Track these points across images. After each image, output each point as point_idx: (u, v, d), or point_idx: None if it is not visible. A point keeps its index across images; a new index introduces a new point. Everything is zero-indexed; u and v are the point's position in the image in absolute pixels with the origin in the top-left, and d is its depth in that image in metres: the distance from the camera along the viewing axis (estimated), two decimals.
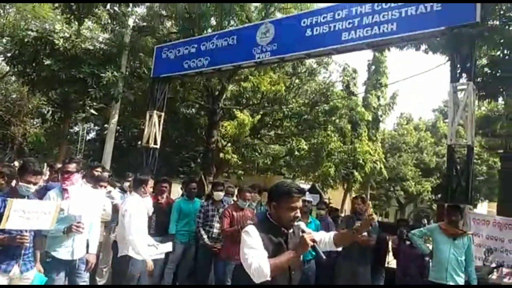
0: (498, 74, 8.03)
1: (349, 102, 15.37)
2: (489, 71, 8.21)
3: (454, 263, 4.71)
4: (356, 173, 18.31)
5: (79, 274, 3.69)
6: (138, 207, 4.26)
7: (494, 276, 5.15)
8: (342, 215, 10.16)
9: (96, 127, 21.20)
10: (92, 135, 22.20)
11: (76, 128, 19.35)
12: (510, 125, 6.89)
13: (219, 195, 5.61)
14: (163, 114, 8.99)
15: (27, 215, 3.08)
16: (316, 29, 7.13)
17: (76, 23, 8.92)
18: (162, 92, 8.94)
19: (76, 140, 19.32)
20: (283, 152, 14.00)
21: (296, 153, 12.74)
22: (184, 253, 5.88)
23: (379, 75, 21.76)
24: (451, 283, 4.66)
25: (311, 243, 2.24)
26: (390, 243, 5.93)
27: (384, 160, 21.30)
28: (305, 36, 7.22)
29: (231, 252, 4.97)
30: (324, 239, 2.51)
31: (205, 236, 5.45)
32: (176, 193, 8.70)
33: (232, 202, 5.76)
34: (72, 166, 3.74)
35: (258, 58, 7.58)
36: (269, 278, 2.17)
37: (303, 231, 2.29)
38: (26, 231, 3.10)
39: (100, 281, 5.70)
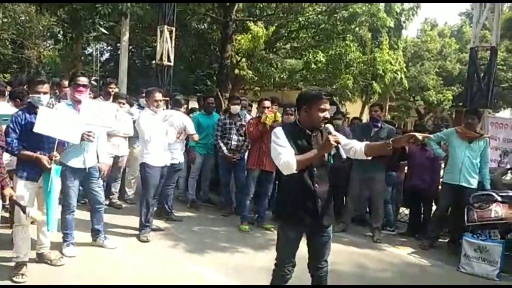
0: None
1: (370, 8, 14.39)
2: None
3: (468, 165, 4.82)
4: (375, 85, 17.86)
5: (93, 180, 4.04)
6: (146, 120, 4.48)
7: (508, 177, 5.26)
8: None
9: (109, 47, 20.96)
10: (106, 56, 22.07)
11: (89, 49, 19.19)
12: None
13: (235, 108, 5.73)
14: (174, 29, 8.71)
15: (56, 124, 3.34)
16: None
17: None
18: (170, 5, 8.57)
19: (91, 61, 19.30)
20: (300, 65, 13.62)
21: (313, 66, 12.35)
22: (203, 164, 6.19)
23: None
24: (464, 184, 4.83)
25: (335, 144, 2.44)
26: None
27: (405, 70, 20.56)
28: None
29: (257, 159, 5.22)
30: (355, 147, 2.64)
31: (224, 148, 5.67)
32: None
33: (246, 113, 5.93)
34: (83, 79, 3.83)
35: None
36: (295, 171, 2.48)
37: (329, 133, 2.51)
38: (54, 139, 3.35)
39: (130, 191, 6.15)
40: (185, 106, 6.55)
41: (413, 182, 5.62)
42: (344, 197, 5.80)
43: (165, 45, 8.50)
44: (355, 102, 19.25)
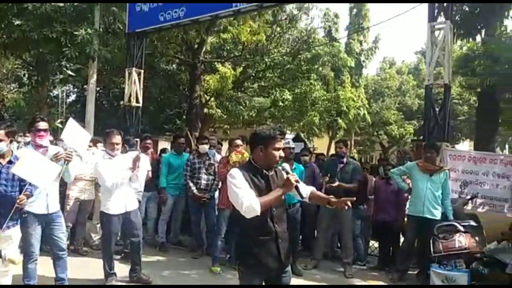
0: (476, 11, 8.01)
1: (332, 49, 15.16)
2: (467, 9, 8.18)
3: (431, 197, 5.01)
4: (340, 120, 18.54)
5: (55, 225, 3.89)
6: (103, 165, 4.33)
7: (469, 206, 5.49)
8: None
9: (75, 89, 20.70)
10: (72, 97, 21.73)
11: (55, 92, 18.88)
12: (487, 63, 6.99)
13: (204, 147, 5.76)
14: (142, 71, 8.82)
15: (31, 168, 3.33)
16: None
17: None
18: (139, 48, 8.70)
19: (56, 104, 18.93)
20: (268, 103, 13.98)
21: (281, 103, 12.74)
22: (175, 205, 6.12)
23: (360, 18, 21.39)
24: (428, 216, 4.99)
25: (295, 183, 2.52)
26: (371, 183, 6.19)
27: (367, 106, 21.51)
28: None
29: (228, 199, 5.18)
30: (305, 188, 2.74)
31: (193, 188, 5.65)
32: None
33: (215, 153, 5.99)
34: (42, 124, 3.80)
35: (236, 6, 7.35)
36: (259, 214, 2.44)
37: (287, 172, 2.59)
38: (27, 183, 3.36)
39: (95, 236, 5.92)
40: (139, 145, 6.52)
41: (380, 215, 5.76)
42: (315, 233, 5.85)
43: (133, 86, 8.55)
44: (322, 137, 19.77)
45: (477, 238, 4.74)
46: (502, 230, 4.88)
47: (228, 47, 13.28)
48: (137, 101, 8.65)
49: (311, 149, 8.25)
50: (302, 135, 17.17)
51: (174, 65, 14.73)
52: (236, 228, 5.33)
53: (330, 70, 16.15)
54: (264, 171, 2.61)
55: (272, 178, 2.64)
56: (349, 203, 2.53)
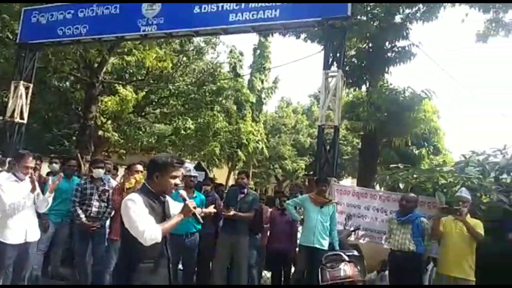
0: (363, 64, 9.16)
1: (235, 84, 15.76)
2: (356, 61, 9.31)
3: (320, 228, 5.35)
4: (240, 152, 19.07)
5: None
6: (8, 187, 3.91)
7: (352, 237, 5.99)
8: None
9: None
10: None
11: None
12: (370, 110, 7.96)
13: (99, 172, 5.34)
14: (31, 85, 8.01)
15: None
16: (204, 8, 7.11)
17: None
18: (30, 60, 7.93)
19: None
20: (169, 131, 13.76)
21: (182, 132, 12.66)
22: (56, 234, 5.50)
23: (263, 59, 22.74)
24: (318, 246, 5.30)
25: (193, 210, 2.60)
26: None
27: (265, 140, 22.56)
28: (193, 13, 7.14)
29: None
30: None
31: (82, 216, 5.17)
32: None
33: (110, 178, 5.62)
34: None
35: (144, 31, 7.25)
36: (159, 241, 2.45)
37: (185, 199, 2.67)
38: None
39: None
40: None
41: (274, 245, 5.95)
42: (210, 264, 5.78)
43: (19, 101, 7.69)
44: (221, 168, 19.99)
45: (359, 267, 5.17)
46: (380, 260, 5.42)
47: (131, 70, 12.90)
48: (22, 117, 7.78)
49: (213, 179, 8.27)
50: (203, 164, 17.16)
51: (67, 82, 13.69)
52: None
53: (233, 104, 16.67)
54: (161, 197, 2.65)
55: (167, 204, 2.70)
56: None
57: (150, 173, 2.66)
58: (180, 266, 5.41)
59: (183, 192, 2.73)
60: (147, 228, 2.40)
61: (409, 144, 13.50)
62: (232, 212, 5.24)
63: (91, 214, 5.22)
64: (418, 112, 7.90)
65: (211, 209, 3.57)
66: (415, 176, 5.83)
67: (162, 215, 2.61)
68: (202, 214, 2.80)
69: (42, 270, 5.47)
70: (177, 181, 2.65)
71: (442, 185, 5.50)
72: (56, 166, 6.23)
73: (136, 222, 2.42)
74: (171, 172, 2.60)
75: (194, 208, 2.62)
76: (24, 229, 3.97)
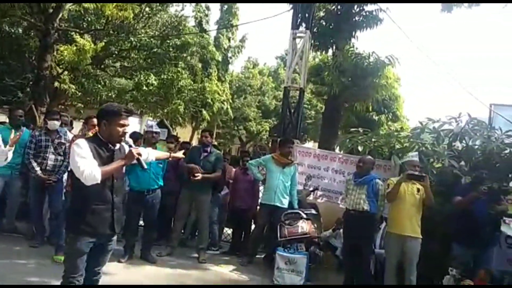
0: (331, 27, 9.09)
1: (201, 40, 15.22)
2: (324, 23, 9.22)
3: (281, 188, 5.50)
4: (204, 112, 18.82)
5: None
6: None
7: (311, 197, 6.21)
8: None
9: None
10: None
11: None
12: (335, 74, 8.00)
13: (54, 124, 5.15)
14: None
15: None
16: None
17: None
18: None
19: None
20: (130, 86, 13.20)
21: (145, 88, 12.17)
22: (7, 187, 5.29)
23: (230, 15, 22.01)
24: (278, 204, 5.46)
25: (136, 156, 2.77)
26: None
27: (230, 101, 22.34)
28: None
29: None
30: (148, 155, 3.19)
31: (37, 168, 5.00)
32: None
33: (67, 131, 5.43)
34: None
35: None
36: (99, 181, 2.57)
37: (130, 146, 2.91)
38: None
39: None
40: None
41: (236, 203, 6.07)
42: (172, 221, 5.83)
43: None
44: (185, 127, 19.73)
45: (315, 225, 5.42)
46: (336, 219, 5.68)
47: (89, 19, 12.08)
48: None
49: (177, 137, 8.16)
50: (166, 121, 16.84)
51: (20, 28, 12.68)
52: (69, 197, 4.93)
53: (198, 61, 16.22)
54: (110, 145, 2.78)
55: (117, 152, 2.82)
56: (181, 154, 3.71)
57: (99, 121, 2.79)
58: (141, 222, 5.42)
59: (129, 140, 2.83)
60: (87, 168, 2.53)
61: (370, 110, 13.87)
62: (199, 176, 5.24)
63: (47, 168, 5.07)
64: (381, 78, 8.01)
65: (180, 154, 3.82)
66: (373, 140, 6.03)
67: (110, 161, 2.72)
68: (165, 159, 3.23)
69: None
70: (125, 129, 2.78)
71: (398, 149, 5.72)
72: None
73: (77, 163, 2.56)
74: (119, 120, 2.73)
75: (139, 154, 2.77)
76: None
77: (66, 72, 11.47)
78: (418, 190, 4.51)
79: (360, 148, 5.84)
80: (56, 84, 11.06)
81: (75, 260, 2.71)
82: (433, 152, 5.36)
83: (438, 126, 5.67)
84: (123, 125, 2.76)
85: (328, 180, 6.24)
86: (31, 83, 12.39)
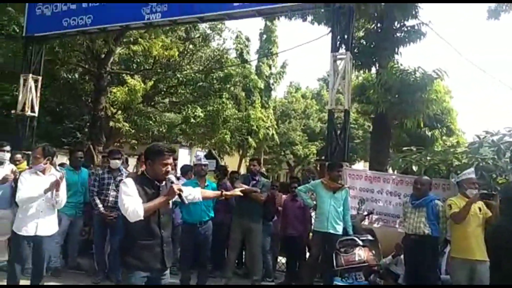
0: (372, 46, 8.95)
1: (243, 70, 15.63)
2: (364, 43, 9.10)
3: (334, 214, 5.31)
4: (250, 139, 19.05)
5: None
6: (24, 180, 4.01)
7: (366, 222, 5.96)
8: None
9: None
10: None
11: None
12: (380, 92, 7.81)
13: (116, 163, 5.44)
14: (40, 78, 8.05)
15: None
16: None
17: None
18: (38, 53, 7.96)
19: None
20: (179, 120, 13.76)
21: (192, 120, 12.64)
22: (71, 226, 5.58)
23: (270, 44, 22.46)
24: (331, 231, 5.27)
25: (178, 192, 2.85)
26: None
27: (275, 126, 22.46)
28: None
29: None
30: (196, 194, 3.28)
31: (100, 205, 5.25)
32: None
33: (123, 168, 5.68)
34: None
35: (148, 19, 7.17)
36: (142, 218, 2.69)
37: (172, 182, 2.96)
38: None
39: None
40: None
41: (287, 231, 5.96)
42: (226, 251, 5.82)
43: (29, 94, 7.75)
44: (232, 155, 20.01)
45: (373, 251, 5.15)
46: (395, 244, 5.37)
47: (138, 60, 12.86)
48: (32, 110, 7.85)
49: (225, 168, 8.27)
50: (213, 152, 17.21)
51: (76, 74, 13.74)
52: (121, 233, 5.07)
53: (242, 90, 16.58)
54: (156, 182, 2.90)
55: (163, 189, 2.92)
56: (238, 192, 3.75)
57: (145, 161, 2.95)
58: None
59: (171, 176, 2.98)
60: (130, 205, 2.68)
61: (421, 125, 13.28)
62: (241, 188, 5.16)
63: (109, 204, 5.30)
64: (430, 92, 7.70)
65: (237, 192, 3.91)
66: (428, 158, 5.74)
67: (155, 198, 2.82)
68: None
69: (61, 262, 5.56)
70: (168, 168, 2.90)
71: (456, 166, 5.39)
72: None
73: (123, 200, 2.72)
74: (162, 159, 2.87)
75: (180, 190, 2.86)
76: (35, 223, 4.01)
77: (119, 112, 12.17)
78: (480, 209, 4.20)
79: (414, 168, 5.57)
80: (111, 123, 11.75)
81: None
82: (494, 167, 5.00)
83: (498, 139, 5.29)
84: (166, 164, 2.89)
85: (383, 203, 5.96)
86: (88, 124, 13.22)
